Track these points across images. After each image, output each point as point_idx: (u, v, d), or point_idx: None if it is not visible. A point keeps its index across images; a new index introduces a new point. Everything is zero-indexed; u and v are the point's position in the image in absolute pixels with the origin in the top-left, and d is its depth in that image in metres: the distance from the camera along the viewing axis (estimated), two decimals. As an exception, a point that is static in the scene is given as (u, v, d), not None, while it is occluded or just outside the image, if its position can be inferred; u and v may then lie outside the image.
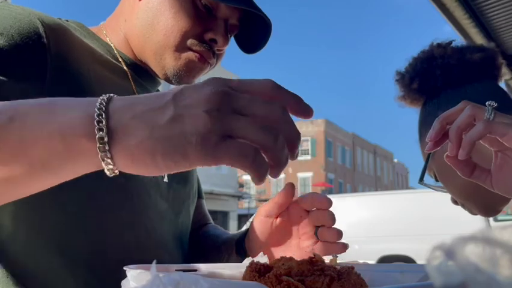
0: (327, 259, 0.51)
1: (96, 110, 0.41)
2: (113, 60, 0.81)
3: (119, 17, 0.84)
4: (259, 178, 0.40)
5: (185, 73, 0.81)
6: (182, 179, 0.88)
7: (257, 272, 0.46)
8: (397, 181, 52.40)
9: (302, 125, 37.97)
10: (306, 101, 0.46)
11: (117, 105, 0.42)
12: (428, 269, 0.17)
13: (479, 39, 3.49)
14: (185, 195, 0.89)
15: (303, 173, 37.32)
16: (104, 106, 0.41)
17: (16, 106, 0.44)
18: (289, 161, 0.43)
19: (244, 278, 0.46)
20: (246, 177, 37.98)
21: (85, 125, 0.41)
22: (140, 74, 0.85)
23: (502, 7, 3.09)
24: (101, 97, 0.42)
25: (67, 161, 0.42)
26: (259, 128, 0.40)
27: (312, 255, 0.49)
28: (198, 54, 0.79)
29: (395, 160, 52.51)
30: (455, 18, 3.12)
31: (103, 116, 0.41)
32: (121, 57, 0.82)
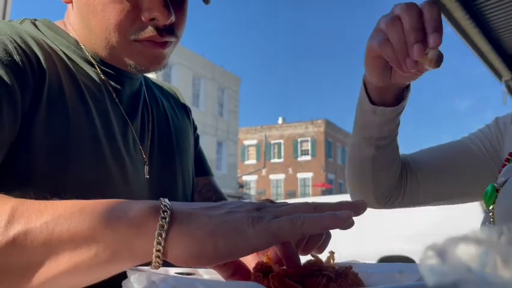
0: (324, 258, 0.51)
1: (160, 202, 0.46)
2: (90, 67, 0.77)
3: (68, 19, 0.81)
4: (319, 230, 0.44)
5: (150, 64, 0.77)
6: (167, 174, 0.86)
7: (262, 272, 0.46)
8: (397, 181, 52.43)
9: (302, 126, 37.99)
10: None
11: (176, 202, 0.48)
12: (421, 269, 0.17)
13: (479, 39, 3.50)
14: (172, 189, 0.87)
15: (303, 173, 37.31)
16: (166, 200, 0.46)
17: (84, 201, 0.48)
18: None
19: (248, 279, 0.47)
20: (246, 178, 38.00)
21: (150, 211, 0.45)
22: (112, 69, 0.80)
23: (502, 8, 3.09)
24: (160, 198, 0.47)
25: (128, 245, 0.44)
26: (296, 205, 0.46)
27: (311, 257, 0.49)
28: (147, 43, 0.74)
29: (395, 160, 52.50)
30: (455, 18, 3.13)
31: (168, 204, 0.45)
32: (89, 54, 0.78)
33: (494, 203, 0.87)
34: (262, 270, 0.47)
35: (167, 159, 0.87)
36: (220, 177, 23.28)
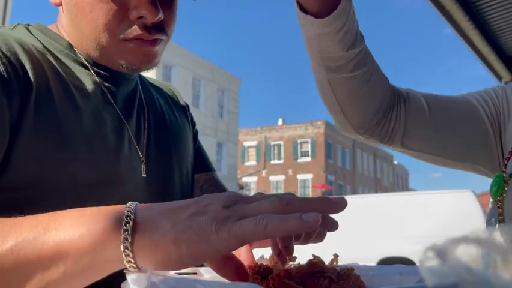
0: (327, 260, 0.51)
1: (125, 210, 0.45)
2: (83, 70, 0.78)
3: (60, 22, 0.81)
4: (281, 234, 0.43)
5: (141, 63, 0.77)
6: (165, 172, 0.86)
7: (260, 274, 0.46)
8: (397, 183, 52.34)
9: (302, 127, 37.96)
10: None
11: (143, 206, 0.47)
12: (421, 270, 0.17)
13: (479, 41, 3.50)
14: (170, 187, 0.87)
15: (303, 174, 37.27)
16: (132, 207, 0.46)
17: (49, 217, 0.48)
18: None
19: (247, 280, 0.47)
20: (246, 179, 37.97)
21: (112, 224, 0.45)
22: (106, 70, 0.80)
23: (501, 9, 3.10)
24: (129, 203, 0.47)
25: (95, 257, 0.45)
26: (268, 201, 0.45)
27: (312, 257, 0.49)
28: (137, 41, 0.74)
29: (395, 162, 52.42)
30: (455, 20, 3.13)
31: (131, 213, 0.45)
32: (82, 57, 0.78)
33: (501, 194, 0.84)
34: (260, 272, 0.46)
35: (165, 158, 0.87)
36: (220, 178, 23.15)
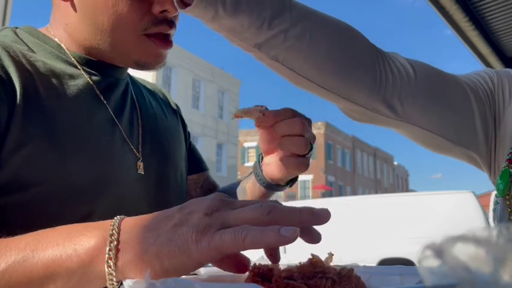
0: (323, 258, 0.51)
1: (110, 227, 0.46)
2: (74, 70, 0.78)
3: (59, 22, 0.80)
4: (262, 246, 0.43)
5: (155, 62, 0.79)
6: (160, 169, 0.87)
7: (260, 276, 0.46)
8: (397, 184, 52.32)
9: (302, 128, 37.89)
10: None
11: (128, 221, 0.48)
12: (420, 270, 0.18)
13: (479, 42, 3.50)
14: (166, 184, 0.88)
15: (303, 175, 37.23)
16: (117, 223, 0.47)
17: (36, 237, 0.50)
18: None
19: (247, 282, 0.47)
20: (246, 180, 37.92)
21: (98, 244, 0.46)
22: (97, 70, 0.81)
23: (501, 10, 3.10)
24: (115, 218, 0.48)
25: (84, 276, 0.46)
26: (250, 209, 0.45)
27: (311, 257, 0.49)
28: (155, 39, 0.76)
29: (395, 163, 52.40)
30: (455, 21, 3.13)
31: (116, 231, 0.46)
32: (73, 57, 0.79)
33: (510, 189, 0.82)
34: (260, 273, 0.46)
35: (160, 155, 0.88)
36: (220, 179, 23.21)
